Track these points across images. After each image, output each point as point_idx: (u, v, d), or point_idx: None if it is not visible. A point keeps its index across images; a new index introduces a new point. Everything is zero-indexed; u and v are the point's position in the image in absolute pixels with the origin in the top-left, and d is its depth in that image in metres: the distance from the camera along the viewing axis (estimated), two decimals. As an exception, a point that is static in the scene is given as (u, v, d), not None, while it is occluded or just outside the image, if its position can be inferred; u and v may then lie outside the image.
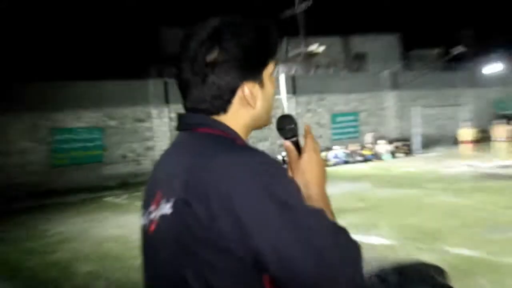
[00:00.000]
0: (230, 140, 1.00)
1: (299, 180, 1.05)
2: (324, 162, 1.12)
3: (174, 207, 0.92)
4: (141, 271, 1.12)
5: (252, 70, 1.05)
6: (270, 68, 1.08)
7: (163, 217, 0.95)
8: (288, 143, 1.14)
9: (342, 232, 0.93)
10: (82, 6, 24.20)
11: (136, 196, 13.96)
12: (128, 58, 19.70)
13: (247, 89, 1.03)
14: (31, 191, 15.30)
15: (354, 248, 0.92)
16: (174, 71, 1.08)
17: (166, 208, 0.94)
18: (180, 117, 1.09)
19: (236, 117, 1.05)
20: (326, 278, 0.85)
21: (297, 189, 0.94)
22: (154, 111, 18.21)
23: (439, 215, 8.60)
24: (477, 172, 13.82)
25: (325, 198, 1.07)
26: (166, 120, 18.45)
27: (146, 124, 18.08)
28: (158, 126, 18.37)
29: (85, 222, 10.68)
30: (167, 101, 18.39)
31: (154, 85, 18.42)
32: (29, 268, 7.31)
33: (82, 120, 17.03)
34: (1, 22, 18.67)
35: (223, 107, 1.04)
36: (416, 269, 1.00)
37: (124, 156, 17.73)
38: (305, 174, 1.08)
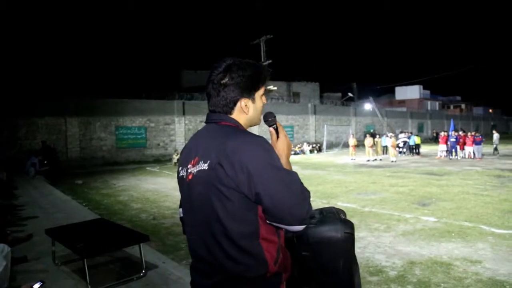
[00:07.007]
0: (239, 129, 1.22)
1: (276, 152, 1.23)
2: (290, 143, 1.34)
3: (209, 165, 1.14)
4: (180, 203, 1.34)
5: (247, 91, 1.25)
6: (260, 91, 1.30)
7: (200, 171, 1.17)
8: (271, 129, 1.36)
9: (302, 184, 1.15)
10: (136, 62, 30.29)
11: (164, 167, 16.94)
12: (162, 88, 24.60)
13: (244, 102, 1.25)
14: (104, 161, 19.54)
15: (308, 192, 1.17)
16: (206, 89, 1.29)
17: (204, 166, 1.16)
18: (208, 115, 1.30)
19: (237, 118, 1.27)
20: (295, 207, 1.09)
21: (279, 158, 1.17)
22: (176, 119, 22.29)
23: (333, 185, 9.76)
24: (355, 163, 17.10)
25: (289, 163, 1.30)
26: (183, 125, 22.49)
27: (171, 127, 22.09)
28: (178, 128, 22.37)
29: (136, 180, 12.43)
30: (184, 113, 22.53)
31: (176, 104, 22.44)
32: (104, 204, 8.31)
33: (135, 122, 20.94)
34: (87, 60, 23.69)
35: (229, 112, 1.26)
36: (330, 210, 1.29)
37: (158, 144, 21.57)
38: (279, 149, 1.30)
